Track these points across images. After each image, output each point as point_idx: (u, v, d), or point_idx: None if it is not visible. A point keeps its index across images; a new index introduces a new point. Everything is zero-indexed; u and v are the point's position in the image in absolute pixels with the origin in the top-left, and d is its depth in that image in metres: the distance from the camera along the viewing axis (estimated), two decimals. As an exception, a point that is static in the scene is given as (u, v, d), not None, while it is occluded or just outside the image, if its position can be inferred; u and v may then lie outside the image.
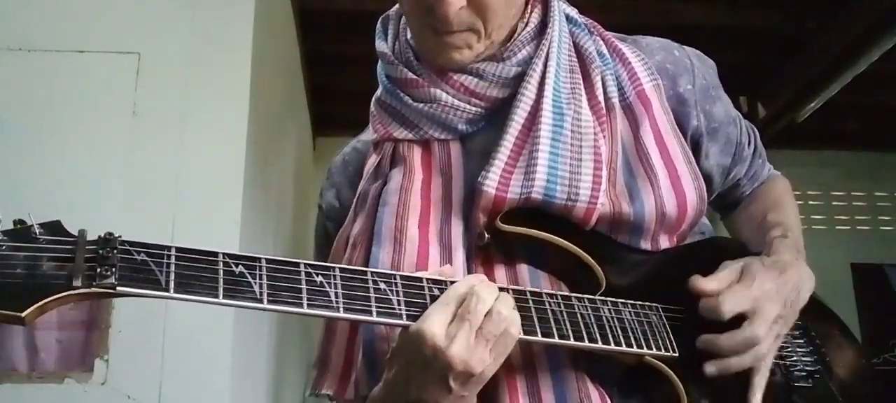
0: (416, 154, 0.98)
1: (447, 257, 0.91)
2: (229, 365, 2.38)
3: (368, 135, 1.06)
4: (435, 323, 0.76)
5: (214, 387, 2.35)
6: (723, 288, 0.91)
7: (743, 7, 3.90)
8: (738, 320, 0.89)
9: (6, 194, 2.29)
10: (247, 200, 2.59)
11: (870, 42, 3.63)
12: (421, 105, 0.97)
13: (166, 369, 2.30)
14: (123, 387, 2.27)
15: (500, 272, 0.92)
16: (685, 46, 1.08)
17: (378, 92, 1.04)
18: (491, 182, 0.91)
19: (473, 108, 0.96)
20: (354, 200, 1.01)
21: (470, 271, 0.92)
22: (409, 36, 1.01)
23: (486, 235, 0.92)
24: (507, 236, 0.91)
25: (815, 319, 1.03)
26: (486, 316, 0.77)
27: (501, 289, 0.82)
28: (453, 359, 0.75)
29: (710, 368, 0.88)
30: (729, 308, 0.88)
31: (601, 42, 1.03)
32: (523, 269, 0.93)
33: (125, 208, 2.37)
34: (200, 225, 2.42)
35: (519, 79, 0.96)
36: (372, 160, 1.02)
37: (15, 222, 0.62)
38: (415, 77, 0.98)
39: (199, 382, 2.33)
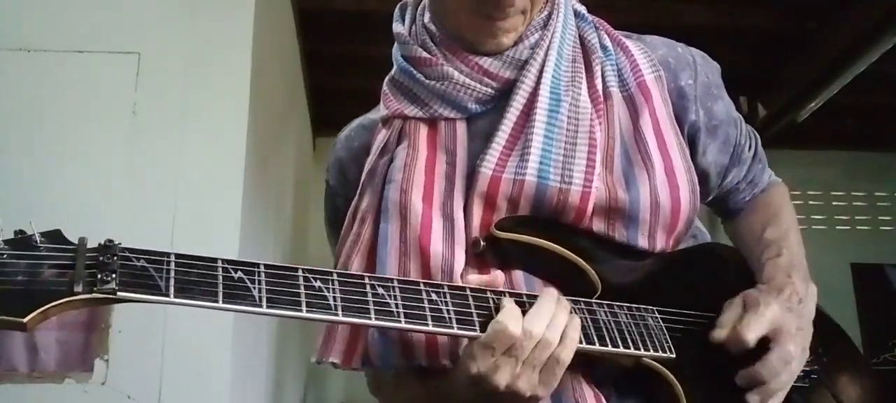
0: (423, 132, 1.00)
1: (450, 229, 0.93)
2: (229, 365, 2.38)
3: (375, 113, 1.08)
4: (479, 362, 0.79)
5: (214, 387, 2.36)
6: (735, 321, 0.92)
7: (743, 7, 3.90)
8: (762, 345, 0.90)
9: (6, 194, 2.29)
10: (247, 200, 2.59)
11: (870, 42, 3.62)
12: (433, 82, 0.99)
13: (166, 369, 2.30)
14: (123, 387, 2.27)
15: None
16: (690, 47, 1.09)
17: (392, 71, 1.06)
18: (488, 164, 0.93)
19: (484, 88, 0.98)
20: (363, 175, 1.03)
21: (467, 263, 0.93)
22: (426, 20, 1.03)
23: (482, 243, 0.93)
24: (503, 243, 0.92)
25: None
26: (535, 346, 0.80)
27: (512, 294, 0.84)
28: (498, 386, 0.79)
29: (755, 398, 0.89)
30: (753, 335, 0.89)
31: (606, 36, 1.05)
32: (519, 276, 0.94)
33: (125, 208, 2.37)
34: (200, 225, 2.42)
35: (527, 62, 0.98)
36: (381, 136, 1.03)
37: (16, 232, 0.63)
38: (429, 56, 0.99)
39: (199, 382, 2.34)
